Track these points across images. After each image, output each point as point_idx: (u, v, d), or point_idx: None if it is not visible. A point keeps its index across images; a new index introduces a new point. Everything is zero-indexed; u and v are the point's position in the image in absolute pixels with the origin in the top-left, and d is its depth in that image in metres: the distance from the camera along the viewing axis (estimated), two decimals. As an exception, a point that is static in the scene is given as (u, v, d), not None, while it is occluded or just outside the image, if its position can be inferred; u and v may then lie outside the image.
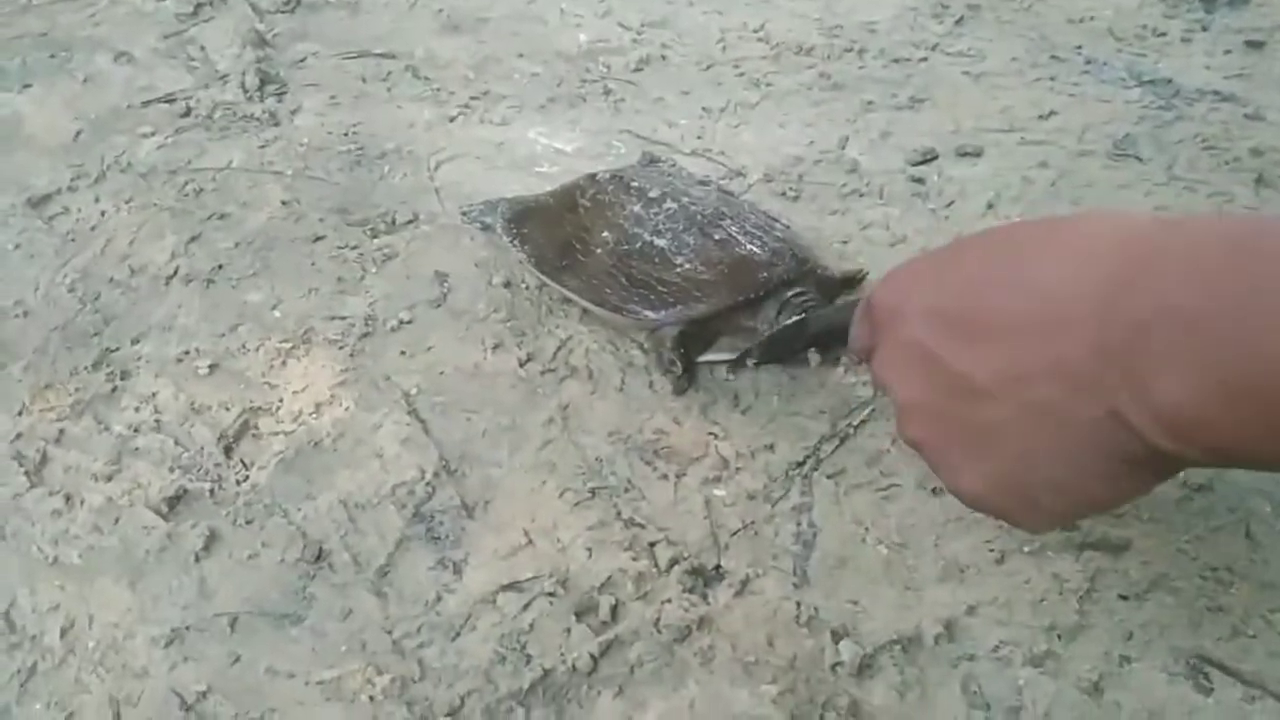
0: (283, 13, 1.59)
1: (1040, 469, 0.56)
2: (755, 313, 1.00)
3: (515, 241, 1.10)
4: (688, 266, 1.00)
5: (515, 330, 1.05)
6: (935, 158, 1.27)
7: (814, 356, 0.99)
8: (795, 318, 0.95)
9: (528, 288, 1.10)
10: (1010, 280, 0.56)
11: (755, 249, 1.01)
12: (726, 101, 1.38)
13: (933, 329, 0.59)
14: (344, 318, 1.07)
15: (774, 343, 0.98)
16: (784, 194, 1.22)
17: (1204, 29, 1.50)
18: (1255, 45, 1.46)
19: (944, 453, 0.61)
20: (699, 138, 1.32)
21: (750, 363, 0.99)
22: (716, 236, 1.01)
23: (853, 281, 1.08)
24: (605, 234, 1.05)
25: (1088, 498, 0.58)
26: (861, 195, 1.22)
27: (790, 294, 0.99)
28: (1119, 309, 0.50)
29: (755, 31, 1.51)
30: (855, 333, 0.70)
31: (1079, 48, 1.46)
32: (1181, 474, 0.89)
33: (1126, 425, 0.51)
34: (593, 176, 1.12)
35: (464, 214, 1.18)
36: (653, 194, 1.05)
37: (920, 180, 1.23)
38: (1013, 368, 0.55)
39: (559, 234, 1.07)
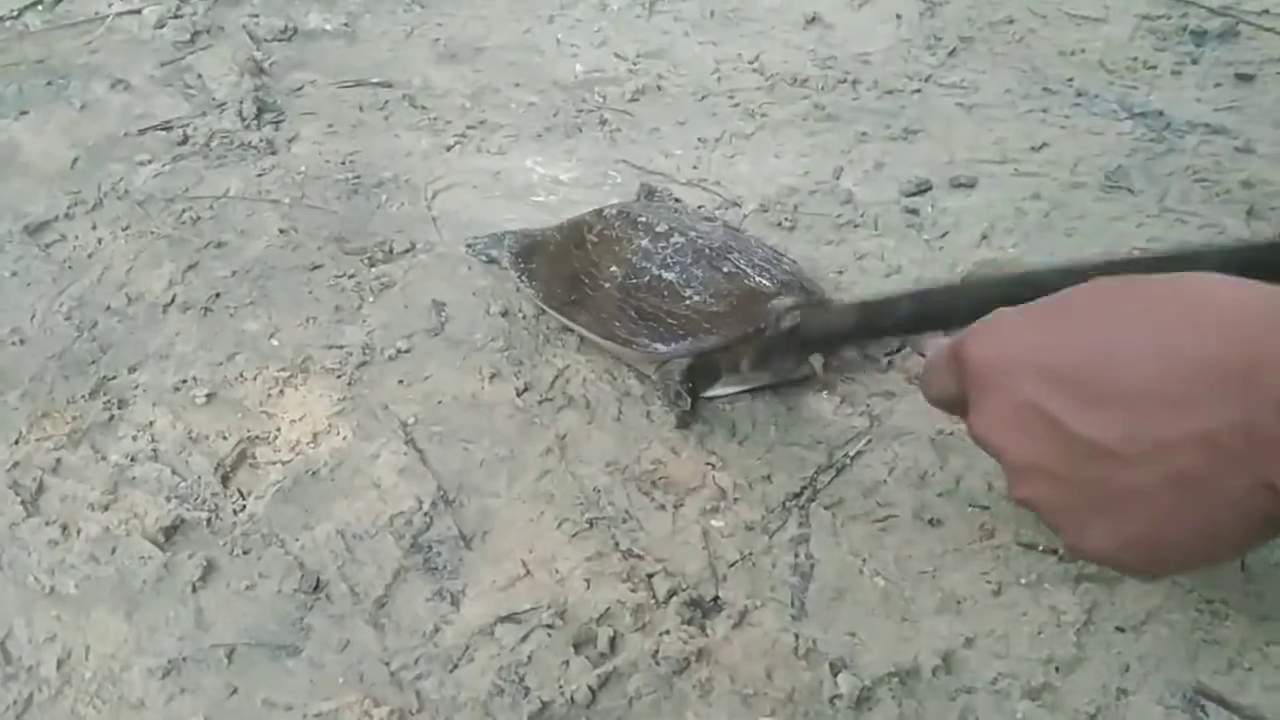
0: (279, 41, 1.59)
1: (1177, 531, 0.57)
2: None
3: (523, 277, 1.10)
4: (696, 299, 1.01)
5: (512, 359, 1.05)
6: (929, 189, 1.28)
7: (816, 361, 0.99)
8: (789, 324, 0.96)
9: (525, 317, 1.11)
10: (1137, 346, 0.56)
11: (764, 281, 1.02)
12: (722, 132, 1.39)
13: (1051, 392, 0.58)
14: (341, 346, 1.07)
15: (767, 349, 0.98)
16: (780, 224, 1.23)
17: (1194, 62, 1.51)
18: (1245, 78, 1.48)
19: (1066, 514, 0.61)
20: (695, 168, 1.33)
21: (744, 365, 0.99)
22: (725, 269, 1.02)
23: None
24: (613, 269, 1.05)
25: (1217, 553, 0.60)
26: (856, 226, 1.22)
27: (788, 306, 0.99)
28: (1264, 386, 0.51)
29: (750, 63, 1.52)
30: (936, 382, 0.69)
31: (1070, 80, 1.47)
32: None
33: (1276, 492, 0.52)
34: (599, 212, 1.12)
35: (469, 246, 1.18)
36: (660, 229, 1.06)
37: (914, 211, 1.24)
38: (1151, 436, 0.55)
39: (567, 269, 1.08)
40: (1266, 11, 1.61)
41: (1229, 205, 1.24)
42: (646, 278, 1.03)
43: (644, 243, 1.06)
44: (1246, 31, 1.56)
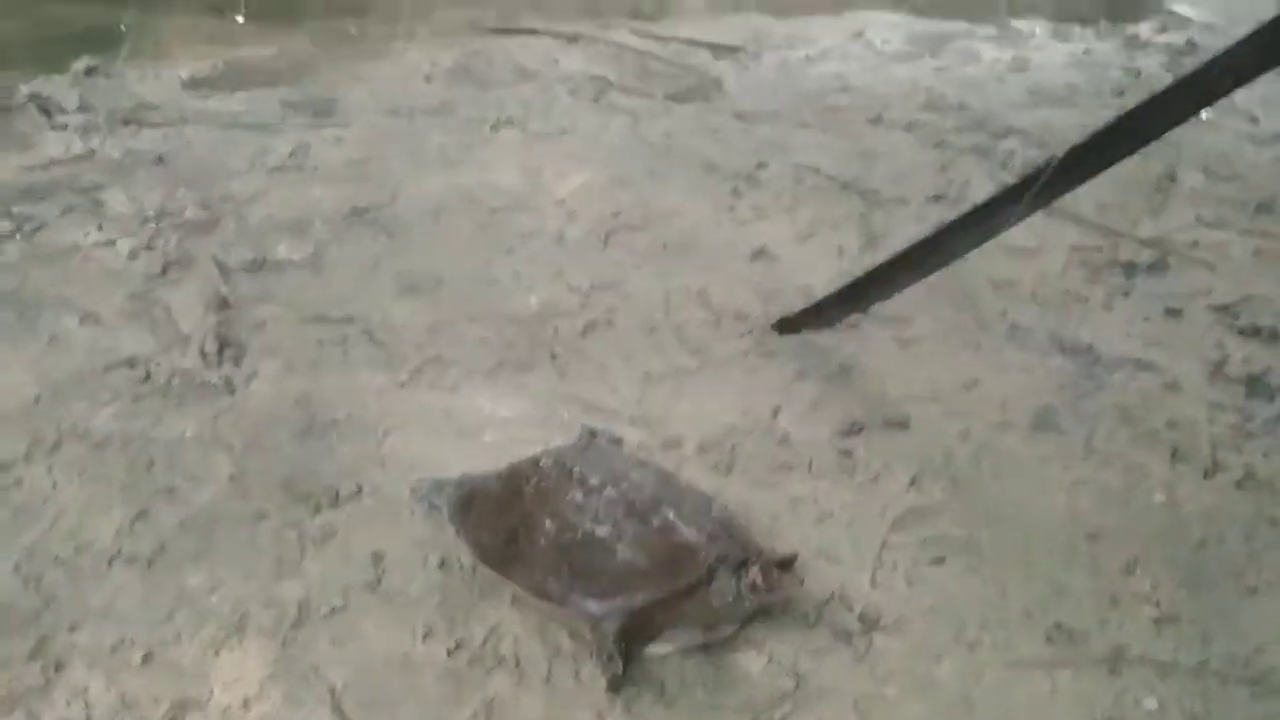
0: (248, 273, 1.65)
1: None
2: (699, 596, 1.03)
3: (460, 530, 1.13)
4: (628, 555, 1.04)
5: (446, 615, 1.07)
6: (862, 429, 1.31)
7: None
8: None
9: (463, 567, 1.13)
10: None
11: (693, 534, 1.05)
12: (667, 368, 1.44)
13: None
14: (279, 604, 1.09)
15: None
16: (716, 467, 1.26)
17: (1125, 294, 1.57)
18: (1174, 313, 1.53)
19: None
20: (639, 403, 1.37)
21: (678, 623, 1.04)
22: (655, 523, 1.06)
23: (788, 565, 1.11)
24: (548, 523, 1.09)
25: None
26: (791, 468, 1.26)
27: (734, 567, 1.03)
28: None
29: (698, 295, 1.57)
30: None
31: (1004, 312, 1.53)
32: None
33: None
34: (536, 462, 1.16)
35: (413, 492, 1.21)
36: (593, 481, 1.10)
37: (848, 453, 1.28)
38: None
39: (504, 521, 1.12)
40: (1196, 244, 1.68)
41: (1154, 446, 1.28)
42: (579, 533, 1.07)
43: (578, 496, 1.09)
44: (1176, 265, 1.63)
